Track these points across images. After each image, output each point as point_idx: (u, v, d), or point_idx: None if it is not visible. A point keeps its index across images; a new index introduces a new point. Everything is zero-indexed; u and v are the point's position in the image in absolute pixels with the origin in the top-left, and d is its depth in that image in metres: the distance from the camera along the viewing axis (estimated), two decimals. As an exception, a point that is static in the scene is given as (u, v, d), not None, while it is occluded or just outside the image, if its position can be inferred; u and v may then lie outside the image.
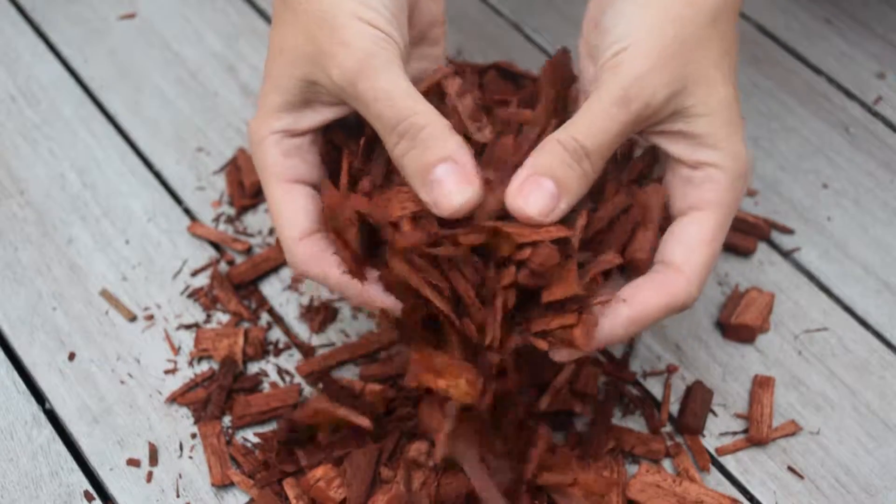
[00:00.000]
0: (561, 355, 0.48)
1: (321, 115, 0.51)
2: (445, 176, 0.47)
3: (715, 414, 0.58)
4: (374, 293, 0.50)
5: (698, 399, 0.57)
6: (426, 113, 0.48)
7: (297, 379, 0.59)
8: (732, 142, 0.50)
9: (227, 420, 0.58)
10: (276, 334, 0.61)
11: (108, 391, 0.59)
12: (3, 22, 0.76)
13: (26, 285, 0.63)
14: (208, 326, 0.61)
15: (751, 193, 0.66)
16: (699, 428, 0.57)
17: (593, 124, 0.47)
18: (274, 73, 0.51)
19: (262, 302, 0.62)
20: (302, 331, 0.61)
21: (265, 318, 0.61)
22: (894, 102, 0.71)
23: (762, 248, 0.64)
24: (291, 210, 0.51)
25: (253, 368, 0.59)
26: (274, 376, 0.59)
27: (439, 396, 0.49)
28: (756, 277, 0.63)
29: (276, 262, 0.63)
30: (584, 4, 0.53)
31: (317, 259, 0.51)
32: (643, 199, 0.50)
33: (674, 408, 0.58)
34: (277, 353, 0.60)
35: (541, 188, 0.47)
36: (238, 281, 0.62)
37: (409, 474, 0.53)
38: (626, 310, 0.48)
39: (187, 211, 0.66)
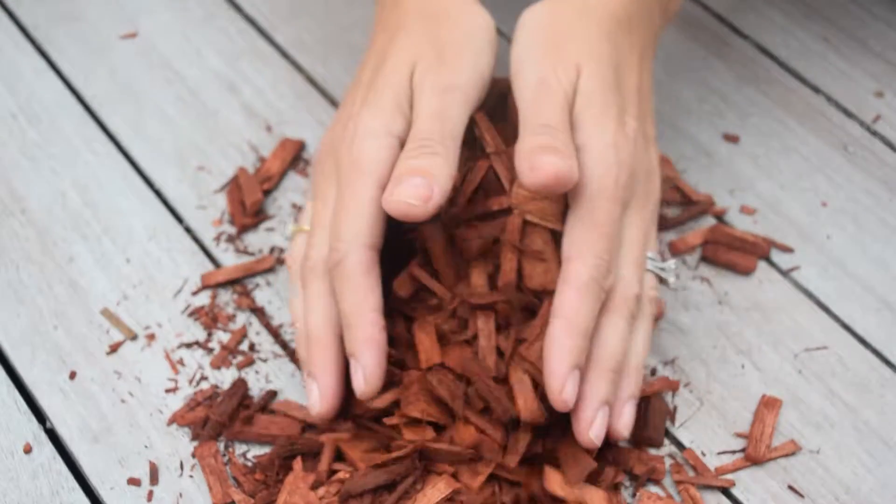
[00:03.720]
0: None
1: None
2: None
3: (714, 433, 0.58)
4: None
5: (656, 411, 0.57)
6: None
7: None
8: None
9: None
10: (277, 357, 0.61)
11: (108, 410, 0.59)
12: (5, 40, 0.76)
13: (27, 304, 0.63)
14: (210, 346, 0.61)
15: (750, 212, 0.66)
16: (660, 441, 0.57)
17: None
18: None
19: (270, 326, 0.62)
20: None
21: (269, 347, 0.62)
22: (893, 121, 0.71)
23: (761, 267, 0.64)
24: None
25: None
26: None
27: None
28: (755, 296, 0.63)
29: (271, 262, 0.63)
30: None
31: None
32: None
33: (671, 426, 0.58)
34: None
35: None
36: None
37: None
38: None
39: (188, 230, 0.66)
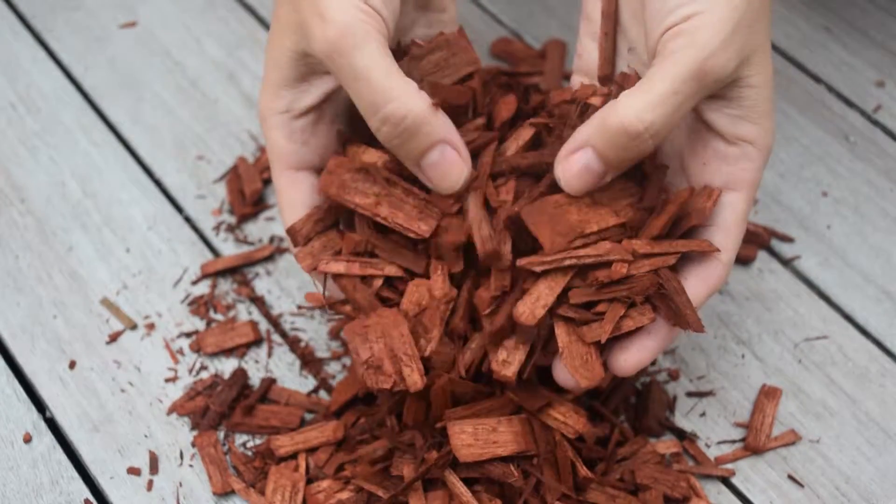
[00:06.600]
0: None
1: (320, 88, 0.50)
2: (439, 160, 0.47)
3: (714, 422, 0.58)
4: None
5: (656, 401, 0.57)
6: (405, 98, 0.46)
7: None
8: (769, 118, 0.49)
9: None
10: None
11: (108, 399, 0.59)
12: (4, 29, 0.76)
13: (27, 293, 0.63)
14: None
15: (750, 202, 0.66)
16: (660, 430, 0.57)
17: (664, 100, 0.45)
18: (270, 48, 0.50)
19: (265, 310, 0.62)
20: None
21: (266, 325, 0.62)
22: (894, 111, 0.71)
23: (762, 257, 0.64)
24: (291, 200, 0.51)
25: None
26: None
27: None
28: (756, 286, 0.63)
29: (270, 251, 0.63)
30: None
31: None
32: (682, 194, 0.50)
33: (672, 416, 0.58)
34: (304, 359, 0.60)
35: (589, 172, 0.47)
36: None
37: None
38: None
39: (188, 219, 0.66)
